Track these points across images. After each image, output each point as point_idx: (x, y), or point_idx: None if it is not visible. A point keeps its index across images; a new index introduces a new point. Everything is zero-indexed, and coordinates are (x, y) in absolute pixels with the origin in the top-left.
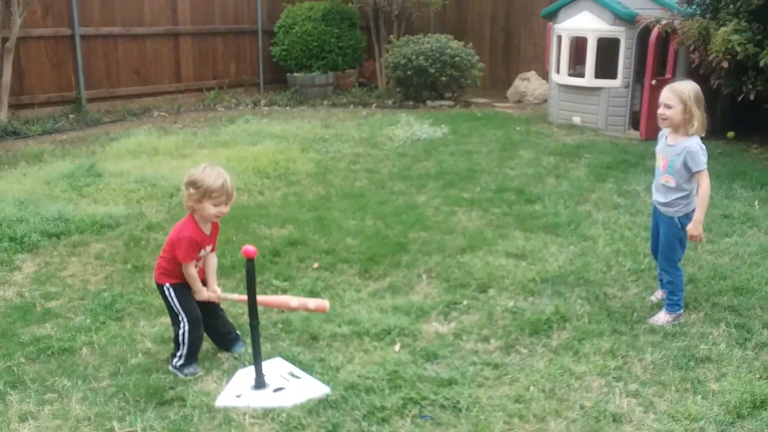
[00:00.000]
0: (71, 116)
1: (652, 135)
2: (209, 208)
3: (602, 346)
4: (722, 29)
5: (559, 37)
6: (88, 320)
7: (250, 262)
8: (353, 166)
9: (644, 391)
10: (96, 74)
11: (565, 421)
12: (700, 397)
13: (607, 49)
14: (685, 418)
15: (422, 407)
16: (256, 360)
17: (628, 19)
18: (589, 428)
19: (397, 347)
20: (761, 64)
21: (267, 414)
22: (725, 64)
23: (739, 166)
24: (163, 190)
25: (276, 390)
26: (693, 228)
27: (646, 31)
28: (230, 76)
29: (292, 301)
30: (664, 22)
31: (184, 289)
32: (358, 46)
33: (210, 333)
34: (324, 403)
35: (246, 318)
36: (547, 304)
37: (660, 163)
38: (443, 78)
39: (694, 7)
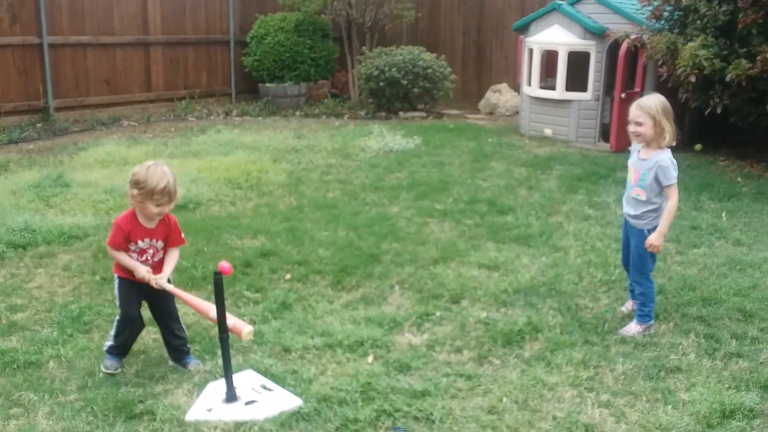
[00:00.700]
0: (38, 125)
1: (621, 147)
2: (152, 208)
3: (574, 357)
4: (690, 44)
5: (531, 50)
6: (55, 333)
7: (218, 274)
8: (326, 177)
9: (616, 402)
10: (64, 83)
11: (538, 431)
12: (670, 407)
13: (578, 62)
14: (656, 428)
15: (396, 419)
16: (227, 373)
17: (598, 34)
18: None
19: (370, 359)
20: (727, 78)
21: (239, 427)
22: (693, 79)
23: (706, 179)
24: None
25: (248, 403)
26: (655, 238)
27: (615, 45)
28: (202, 86)
29: (212, 311)
30: (633, 36)
31: (129, 286)
32: (331, 57)
33: (164, 342)
34: (296, 415)
35: (216, 330)
36: (520, 315)
37: (632, 176)
38: (416, 89)
39: (662, 22)
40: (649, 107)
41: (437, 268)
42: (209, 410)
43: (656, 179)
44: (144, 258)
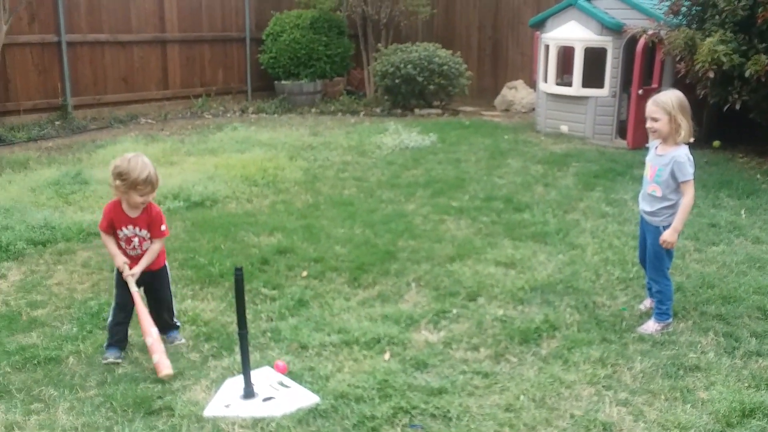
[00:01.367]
0: (57, 123)
1: (639, 144)
2: (135, 198)
3: (592, 355)
4: (708, 40)
5: (547, 47)
6: (74, 329)
7: (239, 270)
8: (342, 174)
9: (634, 400)
10: (82, 81)
11: (556, 430)
12: (689, 405)
13: (595, 58)
14: (675, 427)
15: (412, 416)
16: (245, 369)
17: (615, 29)
18: None
19: (386, 356)
20: (746, 74)
21: (256, 424)
22: (711, 74)
23: (725, 175)
24: None
25: (265, 399)
26: (668, 234)
27: (632, 41)
28: (218, 84)
29: (149, 338)
30: (650, 32)
31: (118, 274)
32: (346, 54)
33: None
34: (314, 412)
35: (235, 326)
36: (537, 312)
37: (648, 172)
38: (431, 86)
39: (680, 17)
40: (665, 103)
41: (454, 265)
42: (227, 406)
43: (672, 175)
44: (132, 246)
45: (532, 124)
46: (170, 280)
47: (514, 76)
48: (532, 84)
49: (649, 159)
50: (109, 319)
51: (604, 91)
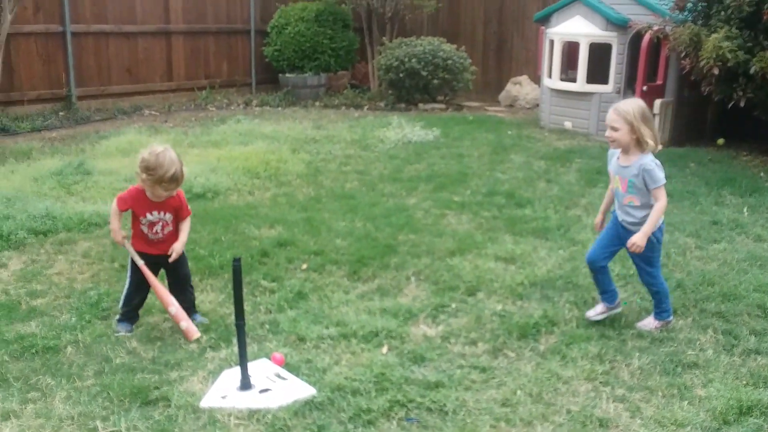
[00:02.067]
0: (61, 114)
1: None
2: (160, 191)
3: (590, 351)
4: (713, 36)
5: (551, 42)
6: (73, 319)
7: (237, 260)
8: (344, 167)
9: (631, 396)
10: (87, 72)
11: (552, 425)
12: (686, 402)
13: (599, 54)
14: (672, 424)
15: (409, 410)
16: (242, 361)
17: (620, 25)
18: None
19: (384, 349)
20: (751, 71)
21: (252, 415)
22: (716, 71)
23: (728, 173)
24: None
25: (262, 391)
26: (638, 238)
27: (638, 37)
28: (222, 76)
29: (172, 307)
30: (655, 28)
31: (142, 257)
32: (351, 47)
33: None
34: (310, 404)
35: (233, 318)
36: (536, 308)
37: (619, 185)
38: (435, 81)
39: (685, 13)
40: (626, 112)
41: (454, 260)
42: (224, 397)
43: (644, 183)
44: (154, 231)
45: (536, 120)
46: (187, 260)
47: (518, 72)
48: (536, 79)
49: (614, 170)
50: (122, 302)
51: (608, 87)
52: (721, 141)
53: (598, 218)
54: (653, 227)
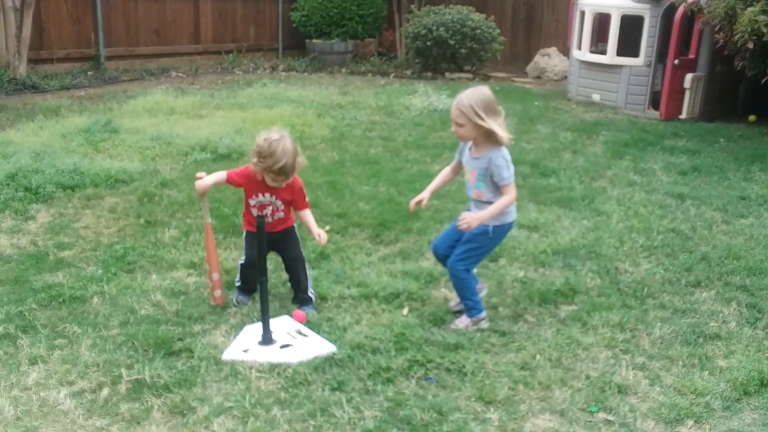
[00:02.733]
0: (89, 73)
1: (672, 115)
2: (268, 179)
3: (611, 319)
4: (749, 9)
5: (582, 13)
6: (99, 271)
7: (260, 218)
8: (369, 133)
9: (651, 365)
10: (115, 32)
11: (570, 389)
12: (707, 373)
13: (631, 26)
14: (691, 393)
15: (428, 370)
16: (264, 316)
17: None
18: (594, 398)
19: (405, 311)
20: None
21: (273, 369)
22: (750, 45)
23: (759, 149)
24: (178, 148)
25: (283, 346)
26: (472, 217)
27: (671, 10)
28: (249, 40)
29: (215, 274)
30: (690, 0)
31: (251, 237)
32: (379, 15)
33: (292, 286)
34: (330, 361)
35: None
36: (558, 276)
37: (469, 177)
38: (463, 50)
39: None
40: (466, 108)
41: None
42: (245, 351)
43: (492, 179)
44: (264, 213)
45: (564, 92)
46: (299, 240)
47: (547, 43)
48: (565, 51)
49: (466, 162)
50: (239, 267)
51: (638, 61)
52: (752, 118)
53: (419, 197)
54: (491, 216)
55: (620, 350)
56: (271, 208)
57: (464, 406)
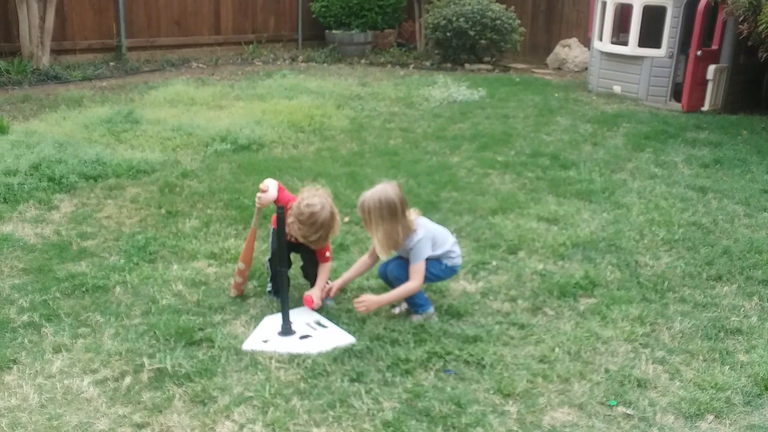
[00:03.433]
0: (111, 64)
1: (694, 107)
2: (294, 231)
3: (631, 313)
4: None
5: (604, 4)
6: (122, 260)
7: (280, 208)
8: (388, 124)
9: (671, 359)
10: (137, 23)
11: (589, 383)
12: (728, 367)
13: (653, 17)
14: (712, 387)
15: (446, 362)
16: (284, 307)
17: None
18: (613, 391)
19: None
20: None
21: (293, 359)
22: None
23: None
24: (198, 139)
25: (302, 337)
26: (370, 301)
27: (694, 0)
28: (269, 31)
29: (242, 263)
30: None
31: (274, 234)
32: (399, 5)
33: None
34: (349, 352)
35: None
36: (577, 268)
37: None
38: (483, 41)
39: None
40: (366, 211)
41: (496, 218)
42: (265, 341)
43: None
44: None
45: (584, 84)
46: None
47: (568, 34)
48: (586, 42)
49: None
50: (267, 264)
51: (660, 52)
52: None
53: (339, 282)
54: (390, 302)
55: (640, 344)
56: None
57: (483, 399)
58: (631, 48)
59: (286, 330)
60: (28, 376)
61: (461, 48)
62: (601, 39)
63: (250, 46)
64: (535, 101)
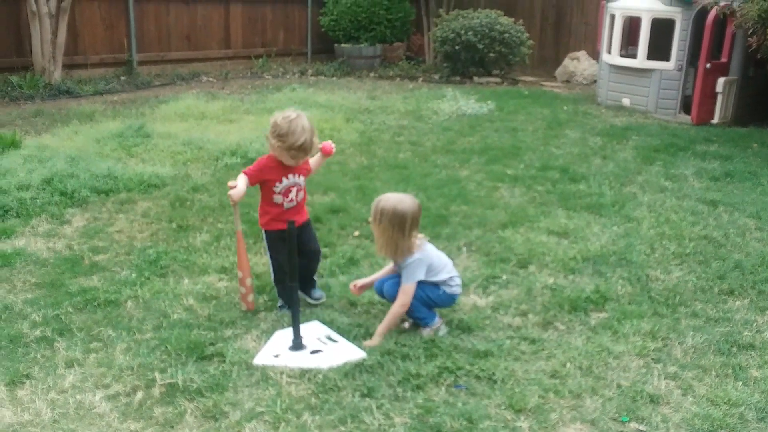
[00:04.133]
0: (122, 78)
1: (703, 120)
2: (288, 159)
3: (642, 328)
4: None
5: (612, 17)
6: (133, 275)
7: (291, 223)
8: (397, 138)
9: (683, 374)
10: (147, 38)
11: (601, 398)
12: (741, 383)
13: (661, 30)
14: (725, 403)
15: (457, 377)
16: (295, 322)
17: (684, 0)
18: (626, 407)
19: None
20: None
21: (304, 374)
22: None
23: None
24: (209, 153)
25: (313, 352)
26: (374, 342)
27: (702, 13)
28: (278, 45)
29: (249, 279)
30: (722, 3)
31: (275, 238)
32: (407, 18)
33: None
34: (360, 367)
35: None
36: (588, 282)
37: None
38: (491, 54)
39: None
40: (375, 212)
41: (506, 232)
42: (276, 356)
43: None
44: (289, 198)
45: (593, 96)
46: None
47: (576, 47)
48: (594, 55)
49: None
50: (272, 279)
51: (669, 64)
52: None
53: (364, 281)
54: (389, 328)
55: (652, 359)
56: (296, 189)
57: (494, 414)
58: (640, 61)
59: (297, 345)
60: (40, 391)
61: (470, 61)
62: (609, 52)
63: (260, 60)
64: (544, 114)
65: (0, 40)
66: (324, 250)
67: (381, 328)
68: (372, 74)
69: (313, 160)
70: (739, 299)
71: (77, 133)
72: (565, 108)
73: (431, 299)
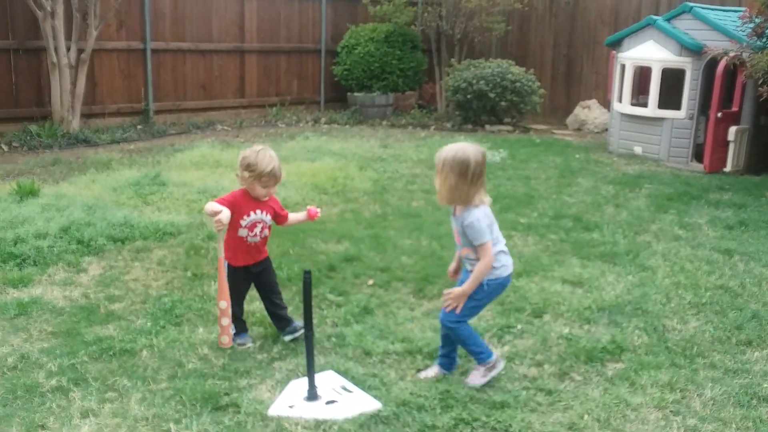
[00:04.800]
0: (139, 127)
1: (716, 168)
2: (259, 189)
3: (660, 379)
4: None
5: (623, 66)
6: (148, 323)
7: (307, 273)
8: (410, 186)
9: (703, 427)
10: (164, 87)
11: None
12: None
13: (672, 79)
14: None
15: (474, 428)
16: (310, 372)
17: (694, 50)
18: None
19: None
20: None
21: (319, 425)
22: None
23: None
24: None
25: (328, 402)
26: (456, 294)
27: (713, 63)
28: (292, 94)
29: (224, 302)
30: (732, 54)
31: (233, 271)
32: (419, 68)
33: (270, 315)
34: (375, 418)
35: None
36: (603, 332)
37: (455, 236)
38: (503, 103)
39: (764, 40)
40: (438, 157)
41: (520, 281)
42: (291, 407)
43: (469, 239)
44: (254, 233)
45: (605, 145)
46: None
47: (587, 96)
48: (605, 104)
49: (452, 220)
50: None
51: (680, 113)
52: None
53: (452, 266)
54: (473, 287)
55: (671, 411)
56: (261, 225)
57: None
58: (651, 110)
59: (312, 395)
60: None
61: (482, 110)
62: (620, 101)
63: (274, 108)
64: (556, 162)
65: (21, 91)
66: (338, 299)
67: (466, 286)
68: (384, 122)
69: (295, 215)
70: (757, 350)
71: (94, 182)
72: (577, 156)
73: (477, 301)
